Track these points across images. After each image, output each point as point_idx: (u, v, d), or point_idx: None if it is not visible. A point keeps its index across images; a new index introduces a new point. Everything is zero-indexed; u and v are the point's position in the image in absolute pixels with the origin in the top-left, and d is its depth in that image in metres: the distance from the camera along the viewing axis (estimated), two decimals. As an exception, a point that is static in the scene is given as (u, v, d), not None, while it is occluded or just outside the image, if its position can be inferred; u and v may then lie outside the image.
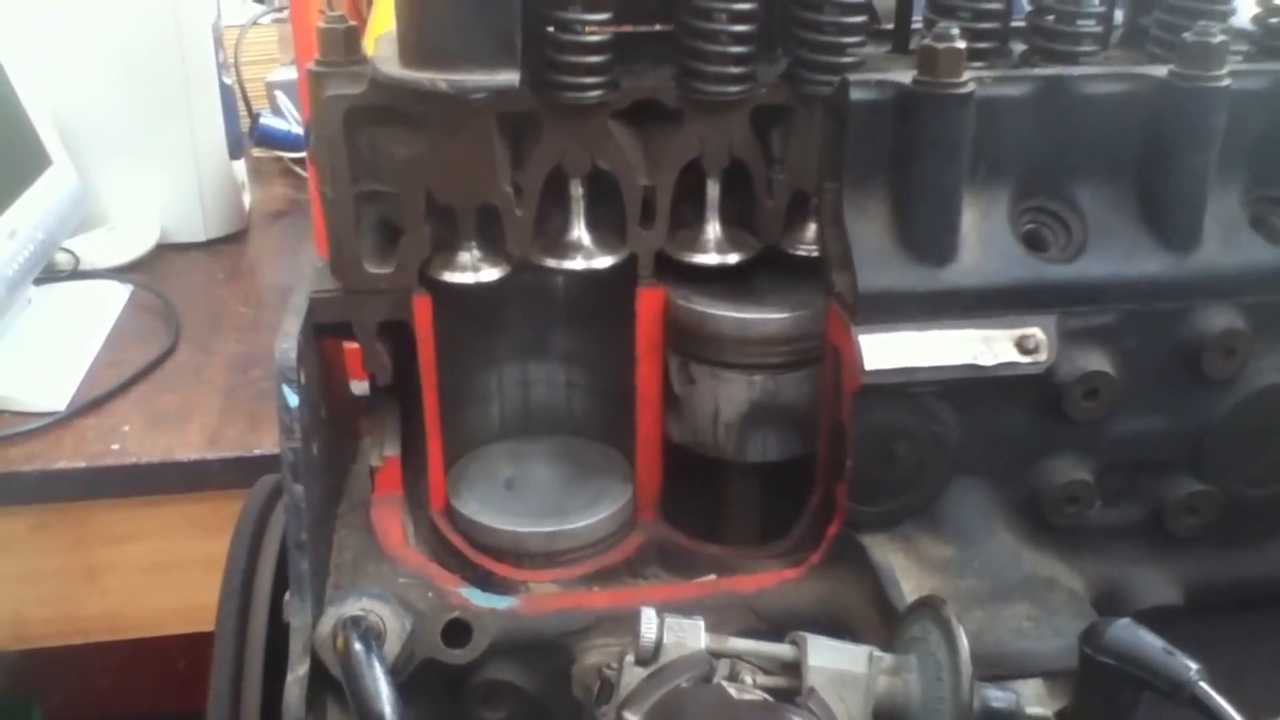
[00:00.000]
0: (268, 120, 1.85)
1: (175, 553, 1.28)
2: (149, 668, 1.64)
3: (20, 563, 1.26)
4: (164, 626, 1.33)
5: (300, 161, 1.87)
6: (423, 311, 0.75)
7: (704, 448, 0.81)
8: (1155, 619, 0.69)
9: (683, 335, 0.78)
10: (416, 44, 0.66)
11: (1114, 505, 0.74)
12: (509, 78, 0.65)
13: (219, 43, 1.66)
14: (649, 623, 0.60)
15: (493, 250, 0.75)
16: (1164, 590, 0.73)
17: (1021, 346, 0.68)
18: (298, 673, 0.65)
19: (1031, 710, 0.60)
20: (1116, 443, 0.72)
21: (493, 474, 0.87)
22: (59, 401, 1.27)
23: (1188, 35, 0.68)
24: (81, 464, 1.21)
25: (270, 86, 1.95)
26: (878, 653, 0.60)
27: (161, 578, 1.29)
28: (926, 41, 0.66)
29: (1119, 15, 0.81)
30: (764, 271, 0.80)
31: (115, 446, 1.23)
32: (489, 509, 0.82)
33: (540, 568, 0.81)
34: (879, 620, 0.68)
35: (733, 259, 0.76)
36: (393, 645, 0.65)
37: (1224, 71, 0.67)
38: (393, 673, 0.65)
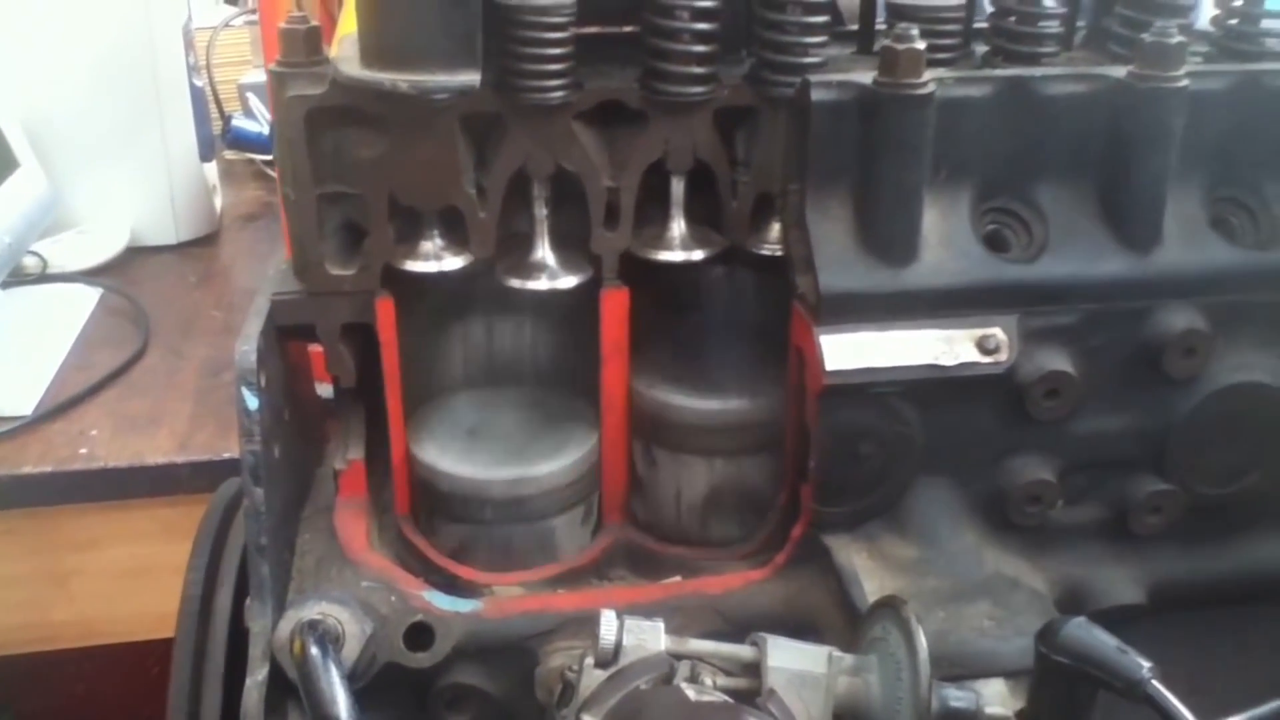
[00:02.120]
0: (240, 122, 1.84)
1: (145, 558, 1.26)
2: (123, 674, 1.62)
3: (-13, 569, 1.25)
4: (135, 632, 1.32)
5: (272, 164, 1.85)
6: (385, 314, 0.75)
7: (667, 530, 0.82)
8: (1118, 618, 0.70)
9: (644, 420, 0.80)
10: (377, 44, 0.66)
11: (1077, 505, 0.74)
12: (470, 78, 0.65)
13: (190, 45, 1.65)
14: (608, 625, 0.60)
15: (455, 240, 0.75)
16: (1127, 589, 0.73)
17: (982, 347, 0.69)
18: (257, 677, 0.65)
19: (992, 710, 0.60)
20: (1079, 442, 0.72)
21: (455, 421, 0.84)
22: (26, 405, 1.26)
23: (1147, 36, 0.68)
24: (49, 468, 1.19)
25: (242, 89, 1.94)
26: (838, 653, 0.60)
27: (132, 583, 1.28)
28: (887, 42, 0.66)
29: (1083, 17, 0.82)
30: (729, 350, 0.82)
31: (83, 451, 1.22)
32: (449, 455, 0.80)
33: (505, 515, 0.79)
34: (842, 621, 0.68)
35: (698, 256, 0.76)
36: (352, 649, 0.65)
37: (1182, 72, 0.68)
38: (353, 677, 0.65)
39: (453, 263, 0.74)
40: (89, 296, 1.49)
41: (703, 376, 0.80)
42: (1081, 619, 0.54)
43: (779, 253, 0.76)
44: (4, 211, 1.38)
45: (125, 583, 1.28)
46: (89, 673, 1.72)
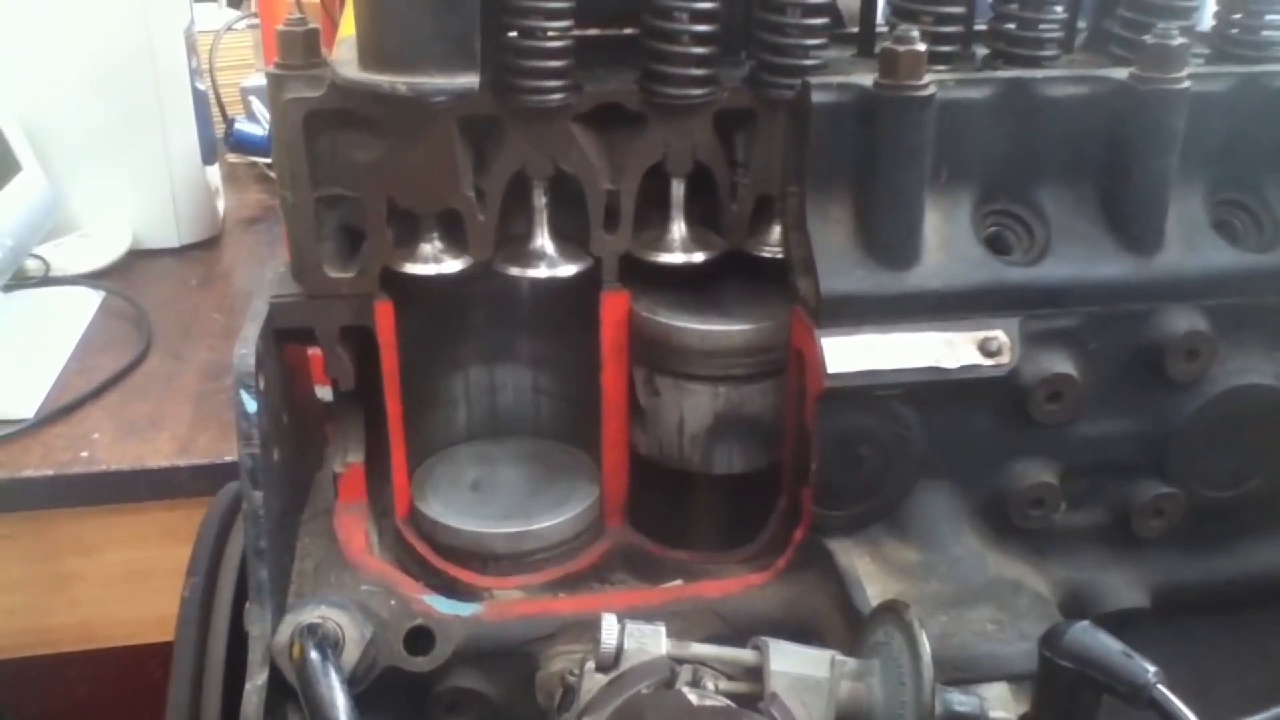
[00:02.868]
0: (242, 126, 1.84)
1: (146, 561, 1.26)
2: (124, 678, 1.62)
3: (-12, 572, 1.25)
4: (136, 636, 1.32)
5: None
6: (384, 316, 0.75)
7: (669, 460, 0.81)
8: (1121, 622, 0.70)
9: (647, 347, 0.78)
10: (375, 47, 0.66)
11: (1079, 508, 0.73)
12: (468, 81, 0.65)
13: (193, 48, 1.65)
14: (609, 629, 0.59)
15: (455, 243, 0.75)
16: (1130, 593, 0.73)
17: (984, 349, 0.68)
18: (256, 682, 0.65)
19: (995, 714, 0.59)
20: (1081, 445, 0.72)
21: (458, 476, 0.86)
22: (27, 409, 1.25)
23: (1148, 38, 0.68)
24: (50, 472, 1.19)
25: (245, 92, 1.94)
26: (840, 657, 0.60)
27: (132, 587, 1.28)
28: (887, 44, 0.65)
29: (1083, 19, 0.81)
30: (730, 280, 0.79)
31: (84, 454, 1.21)
32: (453, 510, 0.81)
33: (507, 572, 0.80)
34: (844, 625, 0.68)
35: (698, 258, 0.76)
36: (351, 653, 0.64)
37: (1184, 74, 0.67)
38: (352, 681, 0.64)
39: (452, 265, 0.74)
40: (91, 299, 1.49)
41: (707, 298, 0.78)
42: (1086, 623, 0.54)
43: (779, 254, 0.76)
44: (6, 214, 1.38)
45: (126, 586, 1.28)
46: (90, 676, 1.72)
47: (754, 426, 0.78)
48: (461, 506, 0.82)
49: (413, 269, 0.74)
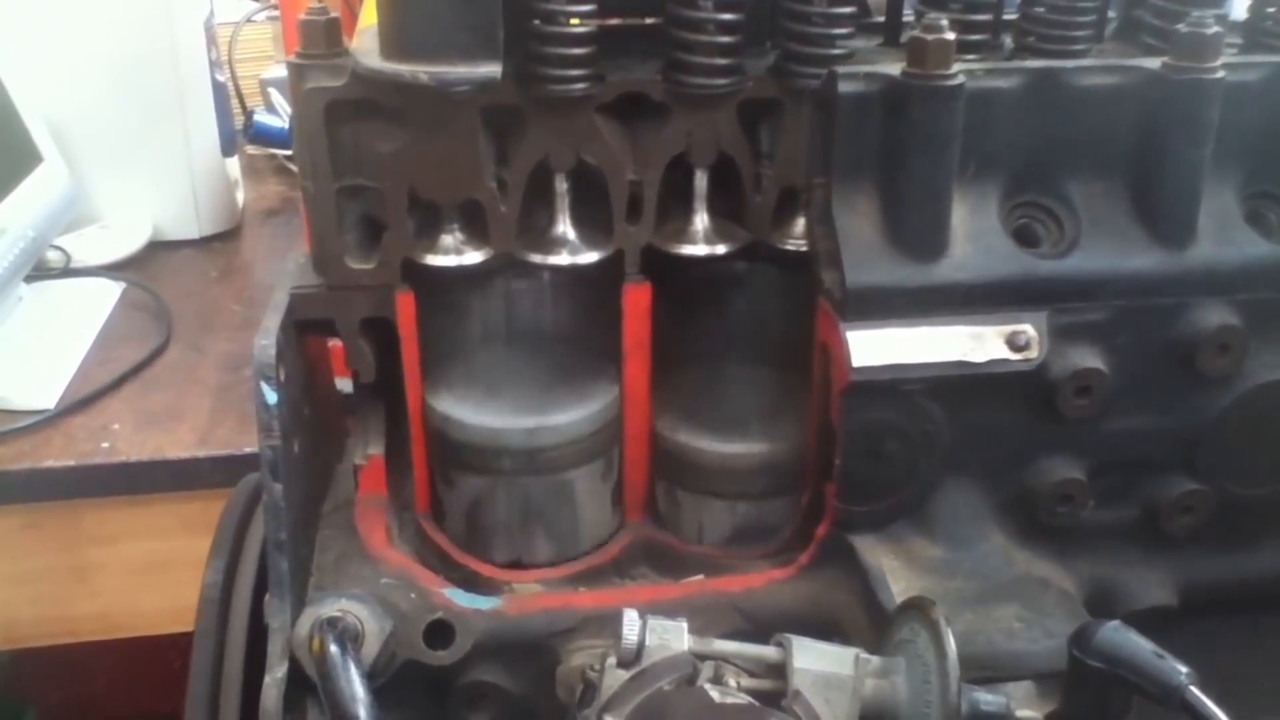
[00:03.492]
0: (262, 118, 1.84)
1: (166, 552, 1.27)
2: (143, 668, 1.63)
3: (9, 562, 1.25)
4: (155, 626, 1.32)
5: (294, 158, 1.86)
6: (405, 308, 0.74)
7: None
8: (1149, 620, 0.69)
9: (667, 462, 0.79)
10: (397, 36, 0.65)
11: (1107, 505, 0.72)
12: (491, 70, 0.64)
13: (213, 40, 1.65)
14: (631, 624, 0.59)
15: (476, 234, 0.74)
16: (1158, 591, 0.72)
17: (1012, 343, 0.67)
18: (275, 675, 0.64)
19: (1021, 713, 0.58)
20: (1110, 441, 0.71)
21: (474, 375, 0.81)
22: (48, 400, 1.26)
23: (1182, 26, 0.67)
24: (71, 462, 1.20)
25: (265, 84, 1.94)
26: (864, 655, 0.59)
27: (152, 577, 1.28)
28: (915, 33, 0.64)
29: (1114, 8, 0.80)
30: (751, 392, 0.82)
31: (105, 445, 1.22)
32: (467, 405, 0.78)
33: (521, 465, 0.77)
34: (868, 622, 0.67)
35: (721, 250, 0.75)
36: (371, 647, 0.64)
37: (1218, 63, 0.66)
38: (372, 675, 0.64)
39: (473, 257, 0.74)
40: (111, 291, 1.49)
41: (728, 413, 0.80)
42: (1117, 622, 0.53)
43: (804, 248, 0.75)
44: (27, 206, 1.39)
45: (146, 577, 1.29)
46: (109, 666, 1.73)
47: (773, 537, 0.79)
48: (475, 402, 0.78)
49: (434, 261, 0.73)
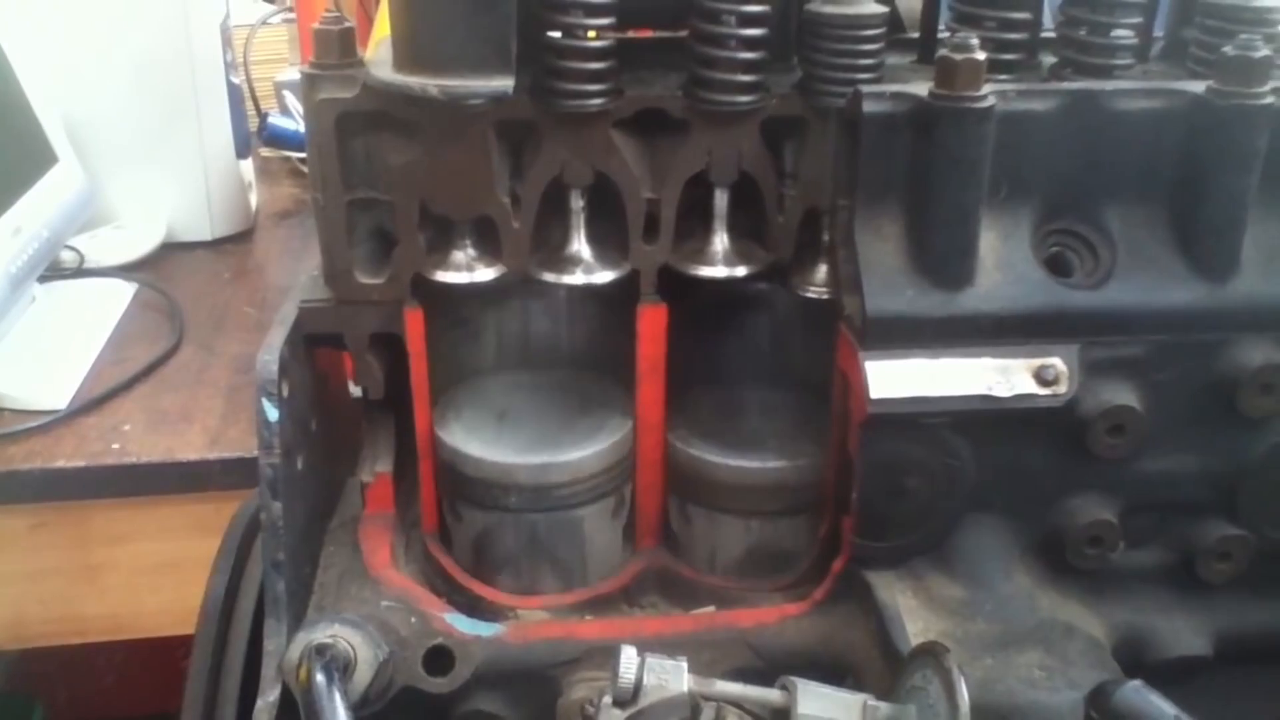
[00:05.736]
0: (276, 120, 1.83)
1: (175, 553, 1.26)
2: (152, 667, 1.63)
3: (19, 561, 1.25)
4: (164, 627, 1.32)
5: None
6: (414, 324, 0.72)
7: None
8: (1181, 670, 0.66)
9: (680, 478, 0.77)
10: (409, 48, 0.63)
11: (1140, 548, 0.69)
12: (504, 84, 0.62)
13: (228, 42, 1.64)
14: (628, 662, 0.57)
15: (488, 251, 0.72)
16: (1192, 640, 0.68)
17: (1040, 377, 0.64)
18: (268, 699, 0.63)
19: (1041, 769, 0.56)
20: (1144, 482, 0.68)
21: (485, 404, 0.80)
22: (60, 400, 1.26)
23: (1228, 49, 0.64)
24: (82, 463, 1.19)
25: (279, 86, 1.93)
26: (873, 701, 0.57)
27: (161, 578, 1.28)
28: (944, 52, 0.62)
29: (1160, 28, 0.77)
30: (768, 412, 0.79)
31: (116, 446, 1.21)
32: (476, 438, 0.76)
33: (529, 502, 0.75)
34: (882, 663, 0.65)
35: (741, 272, 0.73)
36: (363, 675, 0.62)
37: (1267, 89, 0.63)
38: (365, 702, 0.62)
39: (485, 273, 0.72)
40: (124, 291, 1.49)
41: (743, 430, 0.78)
42: (1137, 683, 0.50)
43: (826, 295, 0.71)
44: (42, 206, 1.38)
45: (155, 578, 1.28)
46: (118, 665, 1.73)
47: (787, 559, 0.77)
48: (486, 435, 0.76)
49: (444, 277, 0.71)
